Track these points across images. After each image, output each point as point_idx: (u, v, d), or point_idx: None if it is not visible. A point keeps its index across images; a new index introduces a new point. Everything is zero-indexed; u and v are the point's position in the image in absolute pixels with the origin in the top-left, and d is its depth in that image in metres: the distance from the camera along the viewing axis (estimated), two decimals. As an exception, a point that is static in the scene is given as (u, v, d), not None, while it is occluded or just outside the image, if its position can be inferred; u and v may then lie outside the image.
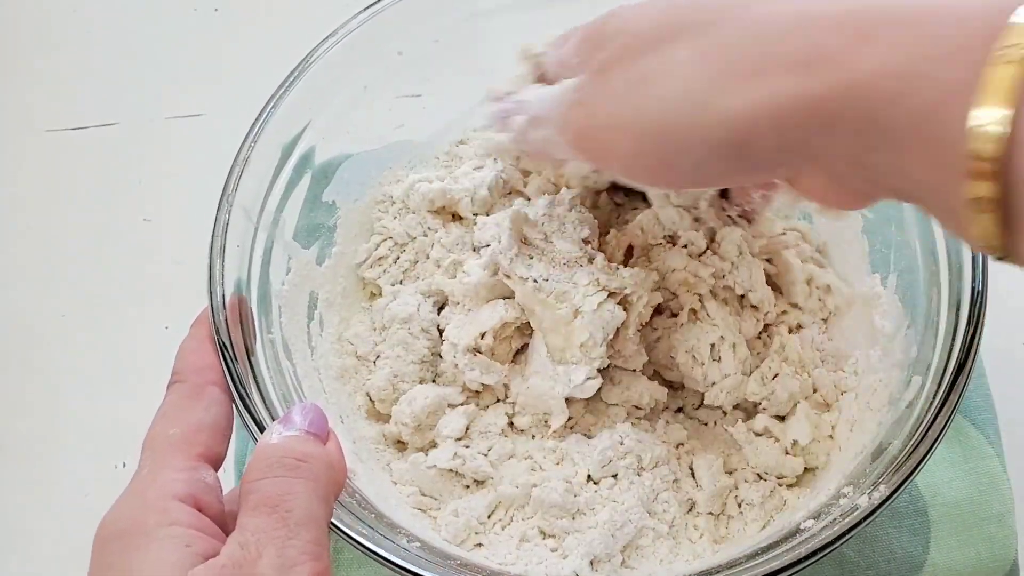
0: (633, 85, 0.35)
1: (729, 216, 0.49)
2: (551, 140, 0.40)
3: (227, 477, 0.54)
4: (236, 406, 0.41)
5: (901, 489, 0.38)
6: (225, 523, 0.36)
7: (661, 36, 0.35)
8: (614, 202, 0.52)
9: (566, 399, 0.46)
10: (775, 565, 0.37)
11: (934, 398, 0.40)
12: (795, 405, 0.48)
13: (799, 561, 0.37)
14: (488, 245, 0.48)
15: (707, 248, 0.49)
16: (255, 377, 0.42)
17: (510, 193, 0.54)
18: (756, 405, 0.48)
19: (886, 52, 0.28)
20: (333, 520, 0.38)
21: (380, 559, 0.38)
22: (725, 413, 0.49)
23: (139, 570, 0.33)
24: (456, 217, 0.54)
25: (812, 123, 0.30)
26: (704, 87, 0.33)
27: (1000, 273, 0.38)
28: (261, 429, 0.40)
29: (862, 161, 0.31)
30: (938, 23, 0.28)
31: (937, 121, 0.27)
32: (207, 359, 0.41)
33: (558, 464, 0.47)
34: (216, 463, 0.39)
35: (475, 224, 0.51)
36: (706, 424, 0.50)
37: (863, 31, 0.29)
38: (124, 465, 0.56)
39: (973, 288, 0.41)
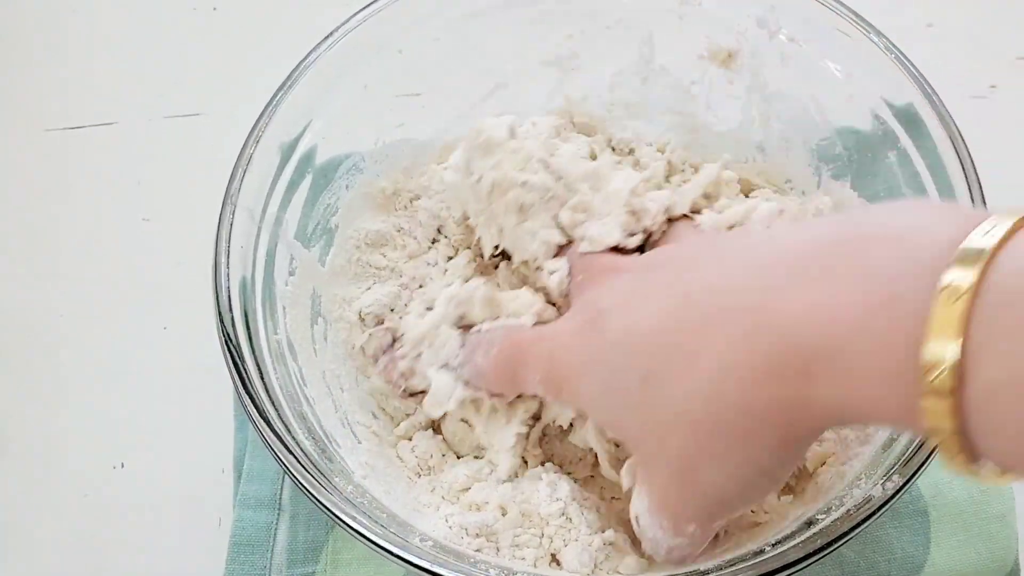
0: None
1: None
2: None
3: (227, 478, 0.54)
4: (244, 406, 0.41)
5: (915, 478, 0.39)
6: None
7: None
8: None
9: None
10: (791, 557, 0.38)
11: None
12: None
13: (814, 552, 0.37)
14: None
15: None
16: (263, 377, 0.42)
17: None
18: None
19: (829, 391, 0.31)
20: (346, 520, 0.38)
21: (396, 558, 0.38)
22: None
23: None
24: None
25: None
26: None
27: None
28: (270, 428, 0.40)
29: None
30: (860, 367, 0.30)
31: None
32: None
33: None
34: None
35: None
36: None
37: (808, 368, 0.31)
38: (123, 465, 0.56)
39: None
